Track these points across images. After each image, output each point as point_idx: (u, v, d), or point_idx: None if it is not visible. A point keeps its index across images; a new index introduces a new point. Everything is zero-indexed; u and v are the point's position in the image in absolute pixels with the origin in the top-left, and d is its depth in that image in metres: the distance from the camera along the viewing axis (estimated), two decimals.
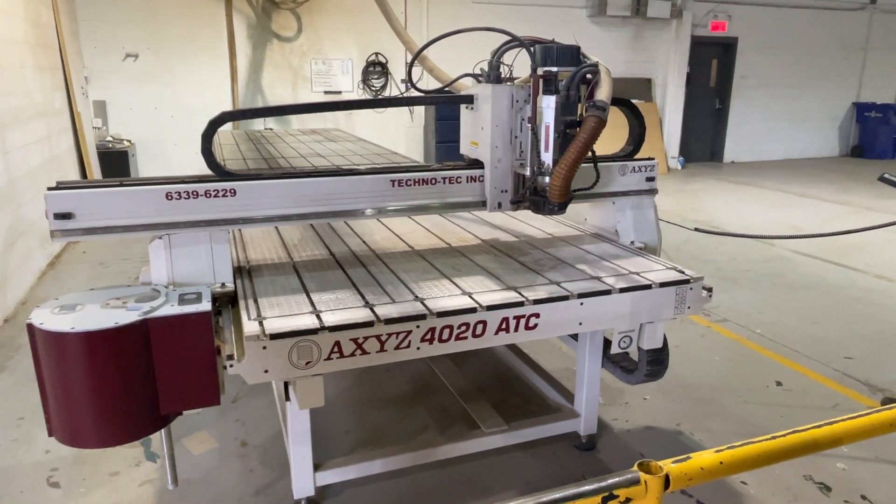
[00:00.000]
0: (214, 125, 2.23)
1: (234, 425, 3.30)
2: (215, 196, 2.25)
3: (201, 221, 2.24)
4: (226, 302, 2.28)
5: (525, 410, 3.44)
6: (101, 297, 2.06)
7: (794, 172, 11.94)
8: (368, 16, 9.99)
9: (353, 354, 2.09)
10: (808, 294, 5.38)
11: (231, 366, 1.99)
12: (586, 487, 1.18)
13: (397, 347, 2.15)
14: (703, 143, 13.12)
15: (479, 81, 2.54)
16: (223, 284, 2.27)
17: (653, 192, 2.98)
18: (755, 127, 13.27)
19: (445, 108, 9.65)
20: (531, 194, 2.44)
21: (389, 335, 2.12)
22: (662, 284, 2.46)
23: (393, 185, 2.47)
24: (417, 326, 2.14)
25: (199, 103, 9.12)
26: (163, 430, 2.15)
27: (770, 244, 6.85)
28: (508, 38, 2.49)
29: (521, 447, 3.06)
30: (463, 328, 2.22)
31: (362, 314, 2.13)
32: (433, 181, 2.51)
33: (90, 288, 2.19)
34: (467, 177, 2.55)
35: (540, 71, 2.28)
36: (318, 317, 2.10)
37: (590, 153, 2.30)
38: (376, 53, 10.00)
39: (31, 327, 1.85)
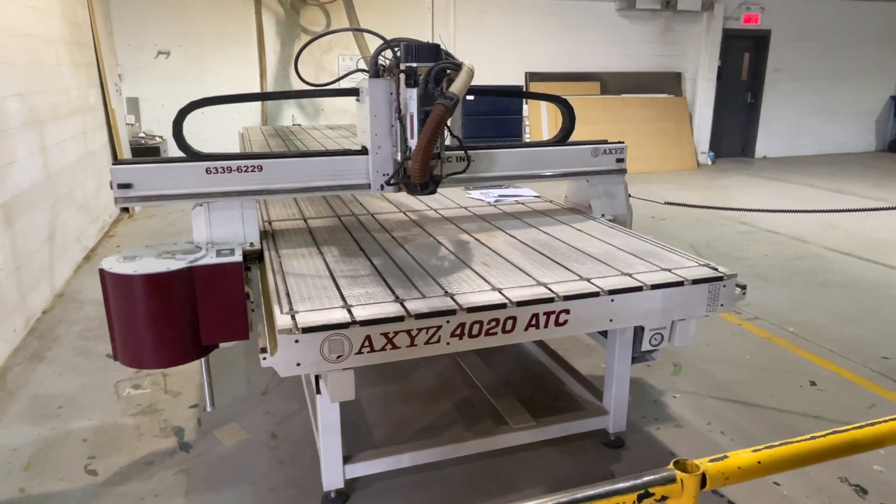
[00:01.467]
0: (183, 113, 2.63)
1: (265, 417, 3.35)
2: (245, 171, 2.72)
3: (234, 192, 2.71)
4: (253, 258, 2.69)
5: (553, 407, 3.42)
6: (155, 250, 2.46)
7: (827, 168, 11.68)
8: (395, 11, 10.02)
9: (383, 349, 2.11)
10: (843, 292, 5.26)
11: (264, 358, 2.02)
12: (621, 485, 1.17)
13: (427, 342, 2.16)
14: (734, 138, 12.89)
15: (380, 75, 2.70)
16: (251, 244, 2.72)
17: (622, 171, 3.41)
18: (788, 121, 12.99)
19: (472, 104, 9.64)
20: (402, 177, 2.68)
21: (419, 330, 2.13)
22: (695, 281, 2.43)
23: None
24: (447, 321, 2.15)
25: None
26: (202, 361, 2.54)
27: (804, 241, 6.71)
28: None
29: (549, 444, 3.06)
30: (492, 324, 2.22)
31: (393, 309, 2.14)
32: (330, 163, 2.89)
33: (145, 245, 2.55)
34: (357, 162, 2.87)
35: (402, 66, 2.51)
36: (350, 311, 2.11)
37: (458, 140, 2.77)
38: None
39: (102, 272, 2.28)
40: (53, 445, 3.10)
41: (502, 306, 2.20)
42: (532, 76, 10.99)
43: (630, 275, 2.47)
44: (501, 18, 10.59)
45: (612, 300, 2.34)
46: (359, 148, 2.94)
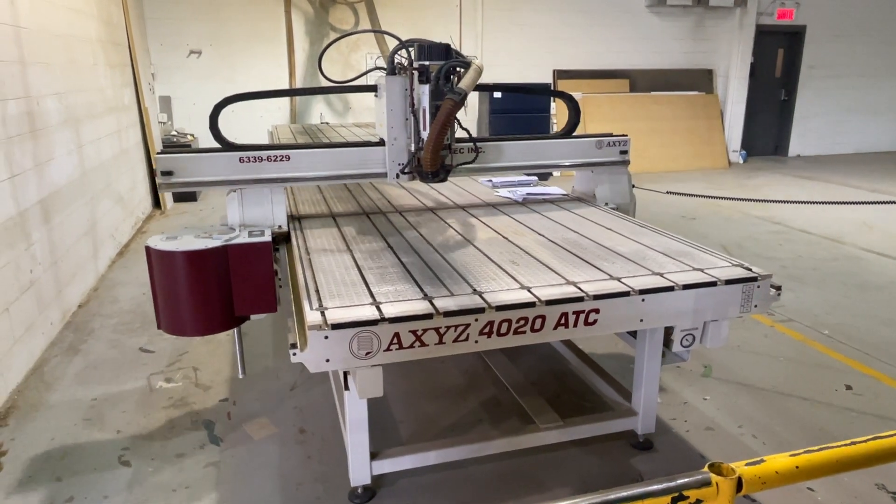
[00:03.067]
0: (219, 108, 2.93)
1: (293, 412, 3.38)
2: (275, 161, 2.97)
3: (264, 179, 2.97)
4: (281, 239, 2.99)
5: (580, 407, 3.40)
6: (194, 231, 2.68)
7: (865, 167, 11.37)
8: (423, 10, 10.03)
9: (411, 346, 2.11)
10: (881, 294, 5.12)
11: (294, 354, 2.04)
12: (655, 487, 1.15)
13: (455, 340, 2.15)
14: (767, 137, 12.64)
15: (396, 72, 2.88)
16: (279, 227, 3.01)
17: (625, 163, 3.57)
18: (824, 119, 12.69)
19: (500, 101, 9.61)
20: (416, 166, 2.87)
21: (448, 328, 2.13)
22: (728, 282, 2.38)
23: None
24: (476, 320, 2.14)
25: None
26: (235, 331, 2.76)
27: (839, 242, 6.55)
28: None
29: (576, 444, 3.03)
30: (521, 322, 2.20)
31: (421, 306, 2.14)
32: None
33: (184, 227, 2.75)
34: (375, 153, 3.07)
35: (416, 65, 2.73)
36: (379, 308, 2.12)
37: (468, 133, 2.99)
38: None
39: (148, 248, 2.51)
40: (89, 436, 3.18)
41: (531, 305, 2.19)
42: (560, 73, 10.90)
43: (661, 274, 2.43)
44: (530, 16, 10.53)
45: (643, 300, 2.31)
46: (377, 140, 3.11)
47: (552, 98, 10.64)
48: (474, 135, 3.18)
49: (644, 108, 11.17)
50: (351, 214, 3.46)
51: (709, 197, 6.20)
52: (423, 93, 2.71)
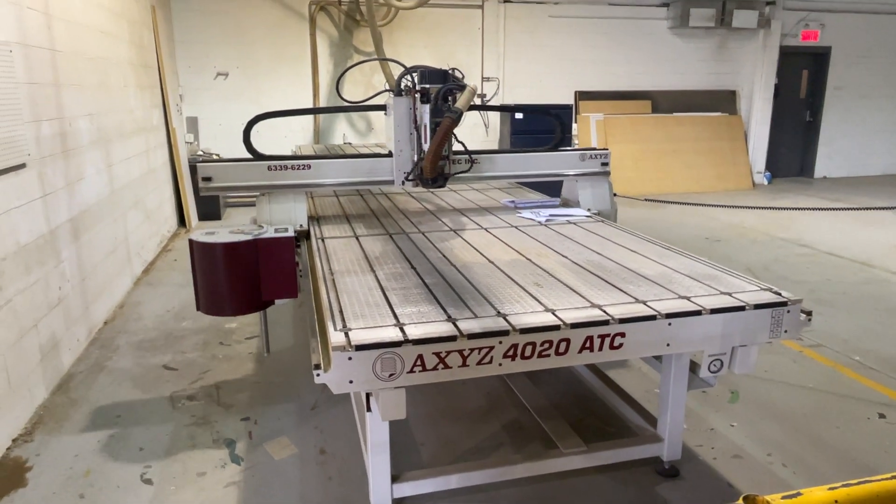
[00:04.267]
0: (251, 123, 3.49)
1: (314, 432, 3.37)
2: (298, 169, 3.49)
3: (288, 185, 3.49)
4: (303, 236, 3.44)
5: (604, 432, 3.34)
6: (228, 228, 3.02)
7: (893, 189, 11.17)
8: (446, 32, 10.15)
9: (435, 368, 2.10)
10: None
11: (318, 375, 2.03)
12: None
13: (479, 363, 2.14)
14: (792, 158, 12.49)
15: (402, 94, 3.34)
16: (301, 225, 3.48)
17: (606, 173, 4.02)
18: (851, 140, 12.51)
19: (521, 122, 9.64)
20: (417, 175, 3.34)
21: (472, 350, 2.11)
22: (757, 306, 2.34)
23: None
24: (500, 342, 2.13)
25: (282, 119, 9.48)
26: (262, 313, 3.15)
27: (869, 265, 6.41)
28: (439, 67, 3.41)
29: (600, 470, 2.98)
30: (546, 346, 2.18)
31: (445, 328, 2.13)
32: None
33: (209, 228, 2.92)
34: (384, 163, 3.57)
35: (418, 87, 3.24)
36: (402, 330, 2.11)
37: (463, 147, 3.54)
38: (453, 69, 10.09)
39: (191, 241, 2.91)
40: (112, 453, 3.20)
41: (556, 328, 2.17)
42: (582, 94, 10.92)
43: (688, 298, 2.40)
44: (551, 38, 10.59)
45: (670, 324, 2.27)
46: (386, 153, 3.57)
47: (574, 119, 10.67)
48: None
49: (666, 129, 11.12)
50: (374, 234, 3.47)
51: (691, 204, 6.11)
52: (425, 111, 3.21)
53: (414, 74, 3.27)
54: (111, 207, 5.37)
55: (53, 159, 4.15)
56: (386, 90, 3.56)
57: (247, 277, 2.90)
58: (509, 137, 9.85)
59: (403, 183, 3.44)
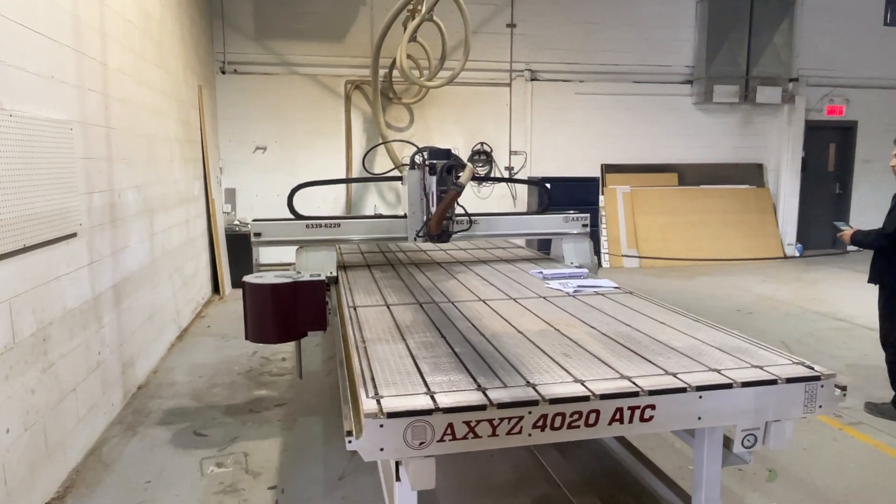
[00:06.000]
0: (294, 190, 4.49)
1: (341, 503, 3.34)
2: (329, 227, 4.39)
3: (322, 240, 4.36)
4: (333, 281, 4.15)
5: None
6: (274, 273, 3.74)
7: None
8: (476, 108, 10.52)
9: (465, 437, 2.11)
10: None
11: (350, 441, 2.06)
12: None
13: (509, 433, 2.14)
14: (823, 230, 12.36)
15: (415, 167, 4.11)
16: (331, 272, 4.21)
17: (586, 234, 4.76)
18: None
19: (547, 193, 9.79)
20: (426, 233, 4.02)
21: (501, 420, 2.12)
22: (789, 380, 2.32)
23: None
24: (529, 412, 2.14)
25: (317, 190, 9.78)
26: (297, 343, 3.87)
27: None
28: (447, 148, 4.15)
29: None
30: (575, 416, 2.18)
31: (475, 397, 2.15)
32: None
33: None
34: (399, 223, 4.45)
35: (427, 163, 3.94)
36: (433, 398, 2.15)
37: (464, 210, 4.30)
38: (481, 143, 10.43)
39: (244, 282, 3.62)
40: None
41: (585, 398, 2.17)
42: (608, 168, 11.11)
43: (718, 371, 2.39)
44: (577, 113, 10.90)
45: (700, 397, 2.26)
46: (402, 214, 4.38)
47: (601, 192, 10.82)
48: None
49: (693, 201, 11.18)
50: (405, 303, 3.54)
51: (674, 259, 6.04)
52: (432, 182, 3.91)
53: (424, 153, 4.00)
54: (151, 275, 5.57)
55: (102, 228, 4.37)
56: (403, 164, 4.46)
57: (287, 313, 3.56)
58: (536, 208, 10.00)
59: (416, 239, 4.15)
